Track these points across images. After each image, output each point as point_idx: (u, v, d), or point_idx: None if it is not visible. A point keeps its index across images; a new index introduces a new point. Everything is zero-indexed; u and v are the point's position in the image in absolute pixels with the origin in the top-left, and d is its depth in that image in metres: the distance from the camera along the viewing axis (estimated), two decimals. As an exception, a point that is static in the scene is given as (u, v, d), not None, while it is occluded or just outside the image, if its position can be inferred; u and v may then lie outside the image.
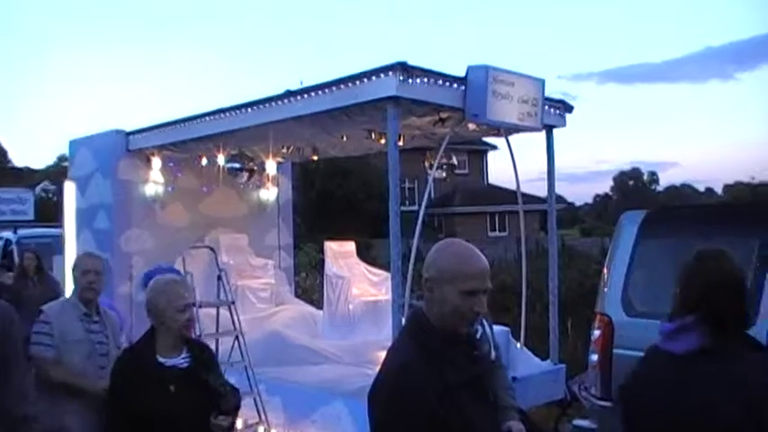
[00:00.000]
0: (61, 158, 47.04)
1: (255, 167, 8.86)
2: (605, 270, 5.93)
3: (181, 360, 3.74)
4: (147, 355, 3.68)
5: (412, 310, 2.60)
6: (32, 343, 4.46)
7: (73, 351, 4.46)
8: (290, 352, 7.43)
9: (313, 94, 6.57)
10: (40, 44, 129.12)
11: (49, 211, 24.73)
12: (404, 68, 5.82)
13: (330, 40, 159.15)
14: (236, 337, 6.59)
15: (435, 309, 2.45)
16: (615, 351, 5.42)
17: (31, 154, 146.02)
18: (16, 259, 11.65)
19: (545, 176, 7.77)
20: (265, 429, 6.37)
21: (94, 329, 4.61)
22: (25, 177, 47.67)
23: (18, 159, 68.21)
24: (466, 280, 2.40)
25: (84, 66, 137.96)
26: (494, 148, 45.63)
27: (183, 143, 8.47)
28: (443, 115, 6.68)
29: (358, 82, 6.13)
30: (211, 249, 7.60)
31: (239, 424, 6.75)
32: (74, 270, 4.75)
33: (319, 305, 9.51)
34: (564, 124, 7.66)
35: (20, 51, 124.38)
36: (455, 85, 6.29)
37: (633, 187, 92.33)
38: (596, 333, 5.62)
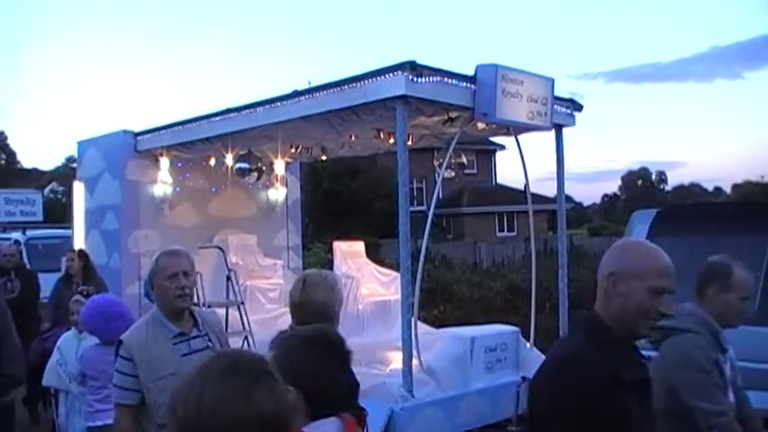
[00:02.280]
0: (70, 159, 47.29)
1: (264, 167, 8.85)
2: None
3: None
4: None
5: (584, 310, 2.48)
6: (114, 384, 3.64)
7: (169, 390, 3.64)
8: (298, 352, 7.41)
9: (322, 93, 6.56)
10: (48, 45, 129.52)
11: (58, 212, 24.83)
12: (413, 67, 5.80)
13: (338, 39, 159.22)
14: (246, 338, 6.59)
15: (616, 305, 2.37)
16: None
17: (40, 155, 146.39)
18: (25, 259, 11.63)
19: (553, 176, 7.73)
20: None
21: (197, 347, 3.67)
22: (34, 178, 47.94)
23: (27, 161, 68.68)
24: (657, 277, 2.35)
25: (93, 66, 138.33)
26: (502, 147, 45.54)
27: (192, 143, 8.46)
28: (452, 114, 6.66)
29: (367, 81, 6.11)
30: (220, 249, 7.60)
31: None
32: (152, 277, 3.72)
33: (328, 305, 9.49)
34: (573, 123, 7.62)
35: (28, 53, 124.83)
36: (464, 84, 6.27)
37: (641, 187, 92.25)
38: (607, 333, 5.60)
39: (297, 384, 1.93)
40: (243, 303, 6.83)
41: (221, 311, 6.97)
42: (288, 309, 9.29)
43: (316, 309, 3.29)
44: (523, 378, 6.68)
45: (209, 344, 3.74)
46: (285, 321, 8.46)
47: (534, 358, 7.32)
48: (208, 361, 1.69)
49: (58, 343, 5.68)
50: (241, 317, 6.71)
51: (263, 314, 8.80)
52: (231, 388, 1.61)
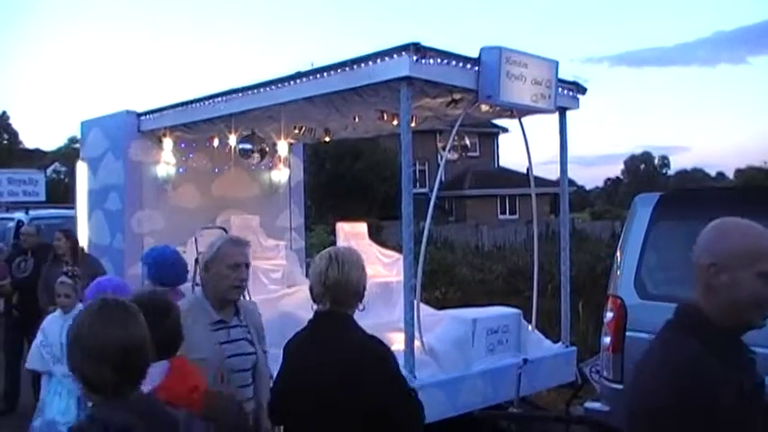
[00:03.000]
0: (72, 140, 47.23)
1: (267, 148, 8.84)
2: (618, 252, 5.91)
3: None
4: None
5: (681, 304, 2.18)
6: None
7: None
8: (301, 333, 7.41)
9: (325, 74, 6.54)
10: (51, 25, 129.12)
11: (61, 193, 24.87)
12: (417, 49, 5.78)
13: (341, 21, 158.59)
14: (248, 318, 6.59)
15: (722, 298, 2.12)
16: (628, 334, 5.41)
17: (42, 135, 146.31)
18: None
19: (555, 159, 7.72)
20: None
21: (236, 336, 3.57)
22: (36, 159, 47.84)
23: (29, 141, 68.54)
24: (766, 260, 2.10)
25: (96, 46, 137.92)
26: (505, 130, 45.60)
27: (195, 124, 8.46)
28: (456, 96, 6.64)
29: (371, 62, 6.09)
30: (224, 230, 7.60)
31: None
32: (211, 263, 3.55)
33: (330, 287, 9.48)
34: (577, 106, 7.60)
35: (30, 32, 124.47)
36: (468, 66, 6.25)
37: (644, 171, 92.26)
38: (609, 315, 5.61)
39: None
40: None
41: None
42: (291, 289, 9.30)
43: (353, 288, 3.22)
44: (525, 360, 6.72)
45: (249, 335, 3.59)
46: (287, 302, 8.53)
47: (535, 341, 7.35)
48: (96, 301, 2.38)
49: (43, 324, 5.63)
50: (243, 297, 6.70)
51: (266, 294, 8.81)
52: (109, 320, 2.27)
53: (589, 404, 5.94)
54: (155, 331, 2.53)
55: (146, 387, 2.43)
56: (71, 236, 8.26)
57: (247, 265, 3.64)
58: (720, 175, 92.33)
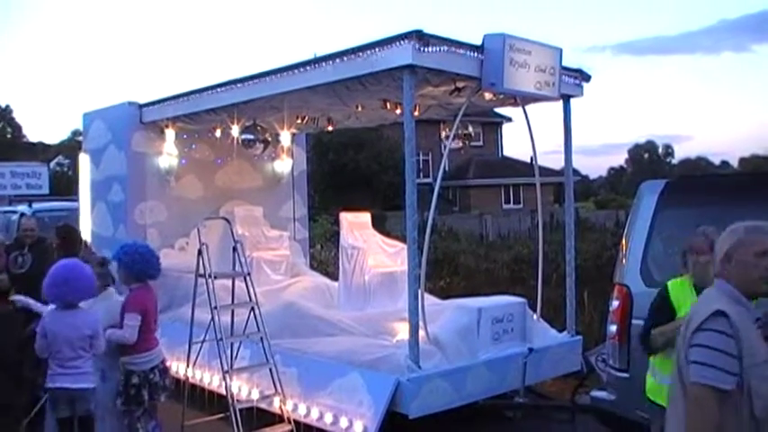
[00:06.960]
0: (75, 133, 47.30)
1: (270, 139, 8.82)
2: (624, 240, 5.87)
3: None
4: None
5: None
6: (711, 365, 2.86)
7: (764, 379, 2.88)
8: (305, 323, 7.41)
9: (328, 63, 6.51)
10: (52, 17, 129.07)
11: (64, 185, 24.88)
12: (420, 36, 5.74)
13: (343, 9, 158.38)
14: (252, 309, 6.57)
15: None
16: (634, 322, 5.36)
17: (46, 128, 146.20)
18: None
19: (559, 149, 7.69)
20: (281, 400, 6.36)
21: None
22: (39, 152, 47.86)
23: (32, 134, 68.53)
24: None
25: (98, 38, 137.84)
26: (508, 120, 45.45)
27: (197, 115, 8.44)
28: (460, 84, 6.61)
29: (373, 51, 6.06)
30: (227, 221, 7.56)
31: (255, 395, 6.75)
32: (734, 251, 3.04)
33: (334, 278, 9.48)
34: (581, 94, 7.55)
35: (32, 25, 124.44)
36: (471, 54, 6.21)
37: (648, 160, 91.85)
38: (615, 304, 5.56)
39: None
40: (249, 275, 6.81)
41: (228, 283, 6.96)
42: (294, 280, 9.24)
43: None
44: (530, 349, 6.69)
45: None
46: (292, 292, 8.52)
47: (541, 330, 7.32)
48: None
49: None
50: (247, 288, 6.68)
51: (270, 285, 8.80)
52: None
53: (595, 393, 5.91)
54: None
55: None
56: (61, 232, 8.07)
57: None
58: (724, 163, 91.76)
